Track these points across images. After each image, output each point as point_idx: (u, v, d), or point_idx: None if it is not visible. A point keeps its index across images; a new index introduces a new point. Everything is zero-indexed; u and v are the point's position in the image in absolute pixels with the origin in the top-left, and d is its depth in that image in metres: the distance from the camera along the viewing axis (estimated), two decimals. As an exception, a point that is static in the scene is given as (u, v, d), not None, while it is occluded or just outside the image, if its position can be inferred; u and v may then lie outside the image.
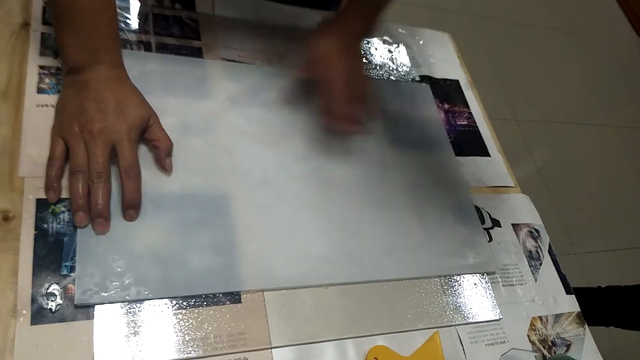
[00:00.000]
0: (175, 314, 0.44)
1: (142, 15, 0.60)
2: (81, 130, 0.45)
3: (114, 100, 0.46)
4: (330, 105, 0.58)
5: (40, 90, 0.50)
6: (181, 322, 0.44)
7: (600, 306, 1.18)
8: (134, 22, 0.59)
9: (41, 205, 0.45)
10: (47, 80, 0.51)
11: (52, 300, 0.41)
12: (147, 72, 0.56)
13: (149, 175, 0.49)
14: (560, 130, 2.02)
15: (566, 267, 0.67)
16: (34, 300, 0.41)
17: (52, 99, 0.50)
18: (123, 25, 0.58)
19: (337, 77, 0.57)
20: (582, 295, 0.74)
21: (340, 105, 0.57)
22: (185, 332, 0.44)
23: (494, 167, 0.70)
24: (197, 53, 0.60)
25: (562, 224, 1.73)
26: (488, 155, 0.71)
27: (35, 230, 0.43)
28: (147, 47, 0.58)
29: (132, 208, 0.46)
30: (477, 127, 0.73)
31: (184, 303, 0.45)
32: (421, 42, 0.79)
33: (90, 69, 0.47)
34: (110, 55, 0.49)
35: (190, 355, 0.43)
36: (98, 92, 0.46)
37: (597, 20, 2.54)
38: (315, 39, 0.59)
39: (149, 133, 0.49)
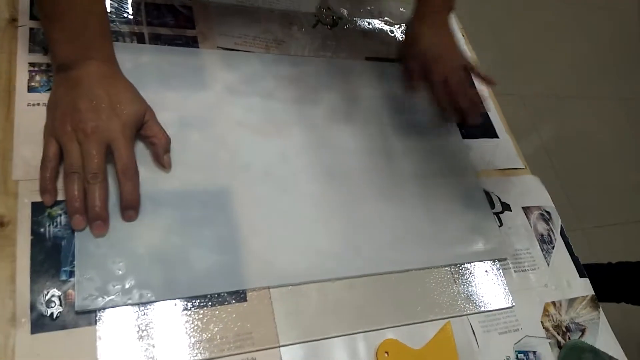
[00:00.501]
0: (179, 316, 0.43)
1: (133, 4, 0.58)
2: (74, 129, 0.43)
3: (106, 97, 0.45)
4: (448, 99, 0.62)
5: (31, 89, 0.49)
6: (186, 324, 0.43)
7: (611, 283, 1.17)
8: (125, 13, 0.57)
9: (37, 209, 0.43)
10: (37, 77, 0.49)
11: (52, 307, 0.40)
12: (141, 64, 0.54)
13: (147, 172, 0.48)
14: (565, 105, 1.99)
15: (572, 243, 0.65)
16: (33, 307, 0.39)
17: (43, 97, 0.48)
18: (114, 17, 0.56)
19: (450, 75, 0.61)
20: (593, 272, 0.73)
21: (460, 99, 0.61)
22: (191, 334, 0.43)
23: (503, 148, 0.68)
24: (193, 42, 0.58)
25: (567, 198, 1.70)
26: (496, 136, 0.69)
27: (31, 235, 0.42)
28: (140, 38, 0.56)
29: (130, 209, 0.44)
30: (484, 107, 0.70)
31: (188, 304, 0.44)
32: (424, 21, 0.76)
33: (81, 66, 0.45)
34: (101, 50, 0.47)
35: (196, 357, 0.42)
36: (90, 90, 0.44)
37: (603, -11, 2.48)
38: (412, 39, 0.63)
39: (145, 129, 0.48)
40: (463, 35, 0.77)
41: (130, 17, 0.57)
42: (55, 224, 0.43)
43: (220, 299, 0.45)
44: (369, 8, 0.73)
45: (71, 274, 0.42)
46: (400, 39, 0.70)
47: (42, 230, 0.43)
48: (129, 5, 0.57)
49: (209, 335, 0.43)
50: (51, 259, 0.42)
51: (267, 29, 0.64)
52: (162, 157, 0.48)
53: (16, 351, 0.38)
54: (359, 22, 0.71)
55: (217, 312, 0.44)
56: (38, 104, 0.48)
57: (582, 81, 2.11)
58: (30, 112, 0.47)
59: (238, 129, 0.54)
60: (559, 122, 1.91)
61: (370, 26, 0.71)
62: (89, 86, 0.44)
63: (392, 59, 0.69)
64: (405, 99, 0.65)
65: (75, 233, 0.43)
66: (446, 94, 0.62)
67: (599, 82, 2.15)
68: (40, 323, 0.39)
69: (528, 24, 2.12)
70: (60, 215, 0.44)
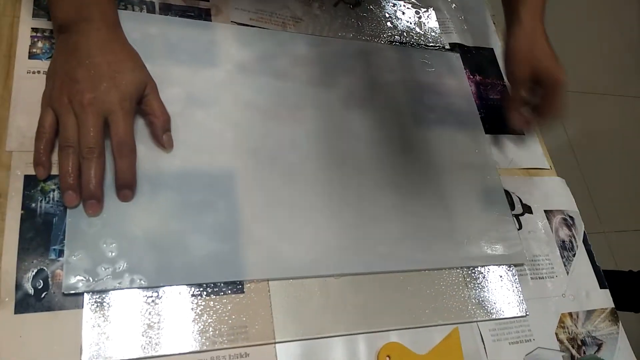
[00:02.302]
0: (171, 304, 0.41)
1: (145, -28, 0.55)
2: (70, 100, 0.41)
3: (105, 65, 0.42)
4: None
5: (32, 55, 0.46)
6: (178, 313, 0.41)
7: (631, 291, 1.12)
8: (136, -20, 0.54)
9: (29, 182, 0.41)
10: (39, 44, 0.47)
11: (38, 287, 0.38)
12: (149, 36, 0.51)
13: (146, 150, 0.45)
14: (592, 102, 1.91)
15: (593, 246, 0.62)
16: (18, 286, 0.38)
17: (44, 64, 0.46)
18: (123, -17, 0.53)
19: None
20: (613, 279, 0.69)
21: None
22: (182, 324, 0.40)
23: (528, 146, 0.64)
24: (205, 15, 0.55)
25: (590, 199, 1.65)
26: (522, 133, 0.64)
27: (22, 209, 0.40)
28: (149, 8, 0.53)
29: (126, 188, 0.42)
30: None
31: (182, 292, 0.42)
32: (453, 5, 0.71)
33: (81, 28, 0.42)
34: (102, 10, 0.44)
35: (187, 349, 0.40)
36: (89, 57, 0.42)
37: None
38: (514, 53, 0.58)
39: (144, 104, 0.45)
40: (494, 23, 0.73)
41: (142, -16, 0.54)
42: (47, 199, 0.41)
43: (216, 289, 0.43)
44: (395, -12, 0.69)
45: (61, 253, 0.40)
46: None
47: (33, 205, 0.40)
48: (141, -27, 0.54)
49: (202, 326, 0.41)
50: (41, 236, 0.40)
51: (285, 5, 0.60)
52: (161, 137, 0.45)
53: (-2, 331, 0.36)
54: (383, 3, 0.66)
55: (212, 302, 0.42)
56: (38, 72, 0.46)
57: (610, 78, 2.02)
58: (30, 80, 0.45)
59: (247, 110, 0.51)
60: (585, 119, 1.84)
61: (395, 8, 0.67)
62: (87, 53, 0.42)
63: (416, 43, 0.65)
64: (426, 88, 0.61)
65: (68, 210, 0.41)
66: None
67: (628, 80, 2.06)
68: (25, 303, 0.37)
69: (557, 17, 2.03)
70: (54, 190, 0.42)
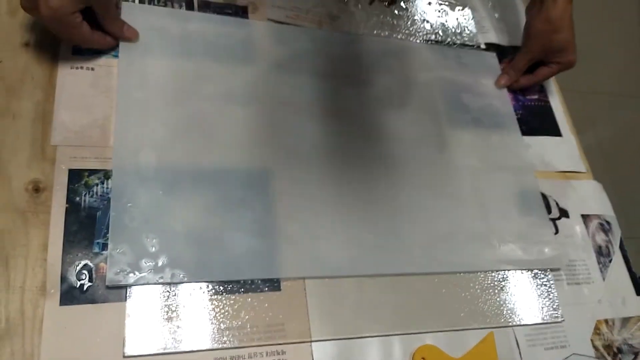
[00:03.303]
0: (210, 300, 0.41)
1: (184, -31, 0.55)
2: None
3: None
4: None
5: (75, 51, 0.47)
6: (217, 309, 0.41)
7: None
8: (175, -23, 0.54)
9: (74, 177, 0.42)
10: (83, 39, 0.48)
11: (82, 280, 0.39)
12: (188, 32, 0.51)
13: (186, 146, 0.46)
14: (623, 104, 1.87)
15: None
16: (63, 279, 0.38)
17: (88, 60, 0.47)
18: (164, -20, 0.53)
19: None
20: None
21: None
22: (221, 320, 0.41)
23: (565, 149, 0.63)
24: (242, 13, 0.55)
25: (620, 204, 1.61)
26: (559, 135, 0.63)
27: (66, 203, 0.41)
28: (189, 5, 0.53)
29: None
30: (549, 102, 0.65)
31: (221, 288, 0.42)
32: (489, 4, 0.70)
33: None
34: None
35: (225, 345, 0.40)
36: None
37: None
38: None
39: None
40: (530, 23, 0.71)
41: (181, -19, 0.54)
42: (91, 193, 0.42)
43: (253, 286, 0.43)
44: (430, -14, 0.68)
45: (104, 246, 0.40)
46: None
47: (77, 199, 0.41)
48: (181, -31, 0.55)
49: (240, 322, 0.41)
50: (85, 229, 0.40)
51: (321, 2, 0.60)
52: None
53: (44, 322, 0.37)
54: (418, 2, 0.66)
55: (250, 299, 0.42)
56: (82, 68, 0.46)
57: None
58: (74, 75, 0.46)
59: (284, 108, 0.51)
60: (616, 122, 1.80)
61: (431, 6, 0.66)
62: None
63: (452, 42, 0.64)
64: (462, 88, 0.61)
65: (111, 204, 0.41)
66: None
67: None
68: (70, 295, 0.38)
69: (602, 14, 1.98)
70: (97, 184, 0.42)
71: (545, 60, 0.61)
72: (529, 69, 0.63)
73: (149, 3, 0.51)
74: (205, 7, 0.54)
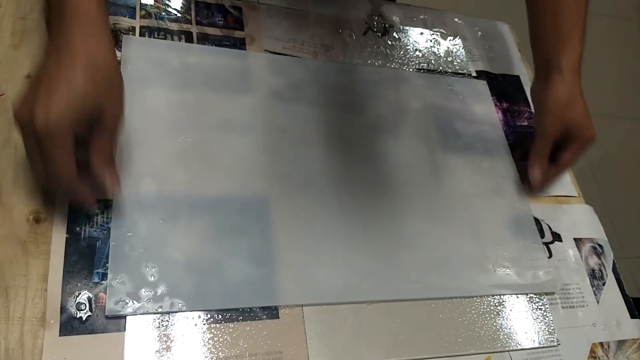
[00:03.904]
0: (209, 329, 0.42)
1: (184, 3, 0.57)
2: None
3: None
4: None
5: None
6: (215, 338, 0.41)
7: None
8: (174, 11, 0.56)
9: (74, 206, 0.42)
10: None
11: (82, 310, 0.39)
12: (187, 64, 0.52)
13: (185, 175, 0.46)
14: (613, 125, 1.90)
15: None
16: (63, 309, 0.39)
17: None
18: (164, 14, 0.55)
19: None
20: None
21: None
22: (220, 348, 0.41)
23: (556, 174, 0.64)
24: (240, 44, 0.57)
25: (612, 225, 1.62)
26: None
27: (67, 233, 0.41)
28: (188, 37, 0.55)
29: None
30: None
31: (219, 317, 0.42)
32: (479, 33, 0.73)
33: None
34: None
35: (223, 374, 0.40)
36: None
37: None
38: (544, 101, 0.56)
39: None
40: (519, 51, 0.74)
41: (179, 15, 0.56)
42: (91, 223, 0.42)
43: (252, 314, 0.43)
44: (422, 17, 0.70)
45: (104, 276, 0.41)
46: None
47: (77, 229, 0.42)
48: (179, 3, 0.56)
49: (238, 351, 0.41)
50: (85, 259, 0.41)
51: (315, 34, 0.62)
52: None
53: (44, 352, 0.37)
54: (410, 32, 0.68)
55: (248, 327, 0.43)
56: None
57: (628, 101, 2.01)
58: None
59: (281, 136, 0.52)
60: (606, 143, 1.83)
61: (423, 36, 0.68)
62: None
63: (443, 71, 0.66)
64: (454, 115, 0.62)
65: (111, 234, 0.42)
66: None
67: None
68: (69, 325, 0.38)
69: (588, 41, 2.03)
70: (97, 214, 0.43)
71: (564, 142, 0.57)
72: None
73: (149, 36, 0.53)
74: (204, 39, 0.55)
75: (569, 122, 0.55)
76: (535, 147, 0.57)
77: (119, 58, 0.49)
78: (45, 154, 0.35)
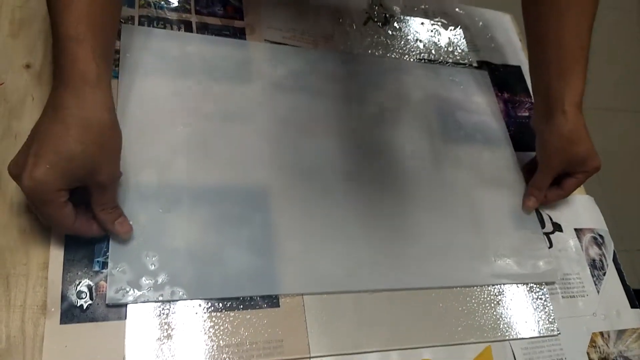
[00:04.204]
0: (210, 317, 0.42)
1: (183, -9, 0.56)
2: None
3: None
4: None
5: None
6: (216, 326, 0.41)
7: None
8: (174, 0, 0.55)
9: (74, 196, 0.42)
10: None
11: (82, 298, 0.39)
12: (187, 53, 0.52)
13: (185, 164, 0.46)
14: (614, 118, 1.90)
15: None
16: (64, 297, 0.39)
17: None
18: (163, 3, 0.55)
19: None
20: None
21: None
22: (220, 336, 0.41)
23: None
24: (240, 34, 0.56)
25: (613, 217, 1.63)
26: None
27: (67, 222, 0.41)
28: (187, 27, 0.54)
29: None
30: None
31: (220, 305, 0.42)
32: (480, 23, 0.72)
33: None
34: None
35: (224, 362, 0.40)
36: None
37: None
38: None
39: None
40: (521, 41, 0.73)
41: (179, 4, 0.55)
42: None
43: (252, 303, 0.43)
44: (422, 7, 0.70)
45: (104, 265, 0.41)
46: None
47: (78, 217, 0.41)
48: (179, -8, 0.56)
49: (239, 339, 0.41)
50: (85, 248, 0.41)
51: (316, 24, 0.61)
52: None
53: (45, 341, 0.37)
54: (411, 22, 0.68)
55: (249, 316, 0.43)
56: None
57: (629, 94, 2.01)
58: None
59: (281, 126, 0.52)
60: (606, 135, 1.83)
61: (424, 26, 0.68)
62: None
63: (444, 61, 0.65)
64: (455, 105, 0.62)
65: (111, 223, 0.42)
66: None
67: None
68: (70, 314, 0.38)
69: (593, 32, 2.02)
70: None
71: (569, 170, 0.57)
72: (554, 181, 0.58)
73: (149, 25, 0.53)
74: (203, 28, 0.55)
75: (573, 156, 0.55)
76: (535, 180, 0.57)
77: (117, 47, 0.49)
78: (36, 209, 0.37)
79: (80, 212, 0.38)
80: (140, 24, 0.52)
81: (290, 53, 0.57)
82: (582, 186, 0.64)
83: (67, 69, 0.36)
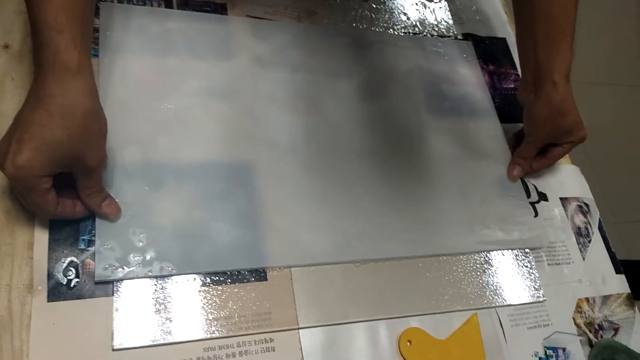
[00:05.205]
0: (198, 291, 0.42)
1: (162, -33, 0.55)
2: None
3: None
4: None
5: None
6: (204, 300, 0.42)
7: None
8: (153, -24, 0.55)
9: (58, 175, 0.42)
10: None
11: (69, 276, 0.39)
12: (168, 30, 0.52)
13: (170, 141, 0.46)
14: (601, 92, 1.90)
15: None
16: (50, 275, 0.39)
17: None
18: (142, -21, 0.54)
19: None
20: (631, 268, 0.69)
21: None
22: (209, 310, 0.41)
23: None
24: (221, 10, 0.56)
25: (601, 189, 1.64)
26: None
27: (51, 201, 0.41)
28: (168, 3, 0.54)
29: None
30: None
31: (208, 279, 0.43)
32: (465, -5, 0.72)
33: None
34: None
35: (213, 335, 0.41)
36: None
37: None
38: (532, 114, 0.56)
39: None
40: (506, 13, 0.73)
41: (159, -20, 0.54)
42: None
43: (240, 277, 0.44)
44: (407, -20, 0.69)
45: (90, 242, 0.41)
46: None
47: (62, 196, 0.41)
48: (158, -32, 0.55)
49: (227, 312, 0.42)
50: (70, 226, 0.41)
51: (299, -2, 0.61)
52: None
53: (32, 318, 0.37)
54: (396, -6, 0.67)
55: (237, 289, 0.43)
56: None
57: (617, 67, 2.01)
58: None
59: (265, 102, 0.52)
60: (594, 109, 1.84)
61: (408, -1, 0.67)
62: None
63: (429, 34, 0.65)
64: (440, 77, 0.62)
65: (96, 201, 0.42)
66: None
67: (635, 69, 2.04)
68: (57, 291, 0.38)
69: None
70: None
71: (555, 140, 0.57)
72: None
73: (128, 2, 0.52)
74: (184, 4, 0.54)
75: (561, 127, 0.55)
76: (521, 149, 0.58)
77: (97, 25, 0.49)
78: (20, 195, 0.38)
79: (63, 195, 0.39)
80: (120, 1, 0.52)
81: (273, 28, 0.57)
82: (567, 156, 0.64)
83: (49, 58, 0.36)
